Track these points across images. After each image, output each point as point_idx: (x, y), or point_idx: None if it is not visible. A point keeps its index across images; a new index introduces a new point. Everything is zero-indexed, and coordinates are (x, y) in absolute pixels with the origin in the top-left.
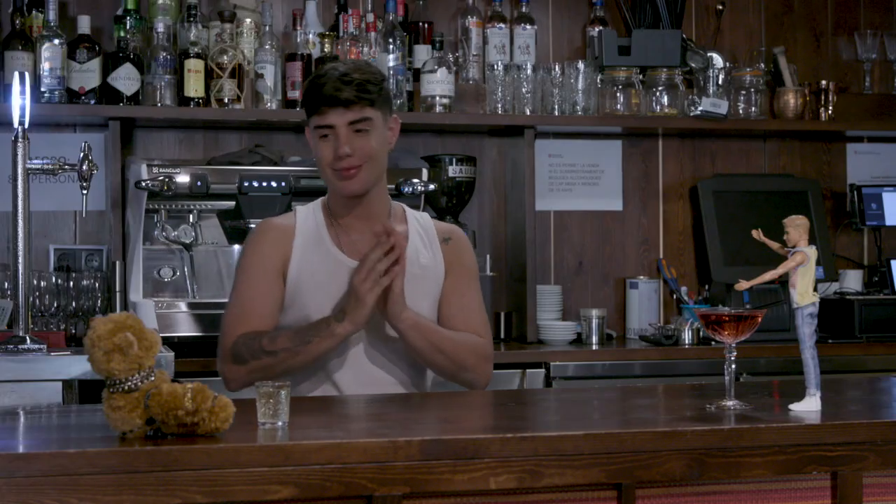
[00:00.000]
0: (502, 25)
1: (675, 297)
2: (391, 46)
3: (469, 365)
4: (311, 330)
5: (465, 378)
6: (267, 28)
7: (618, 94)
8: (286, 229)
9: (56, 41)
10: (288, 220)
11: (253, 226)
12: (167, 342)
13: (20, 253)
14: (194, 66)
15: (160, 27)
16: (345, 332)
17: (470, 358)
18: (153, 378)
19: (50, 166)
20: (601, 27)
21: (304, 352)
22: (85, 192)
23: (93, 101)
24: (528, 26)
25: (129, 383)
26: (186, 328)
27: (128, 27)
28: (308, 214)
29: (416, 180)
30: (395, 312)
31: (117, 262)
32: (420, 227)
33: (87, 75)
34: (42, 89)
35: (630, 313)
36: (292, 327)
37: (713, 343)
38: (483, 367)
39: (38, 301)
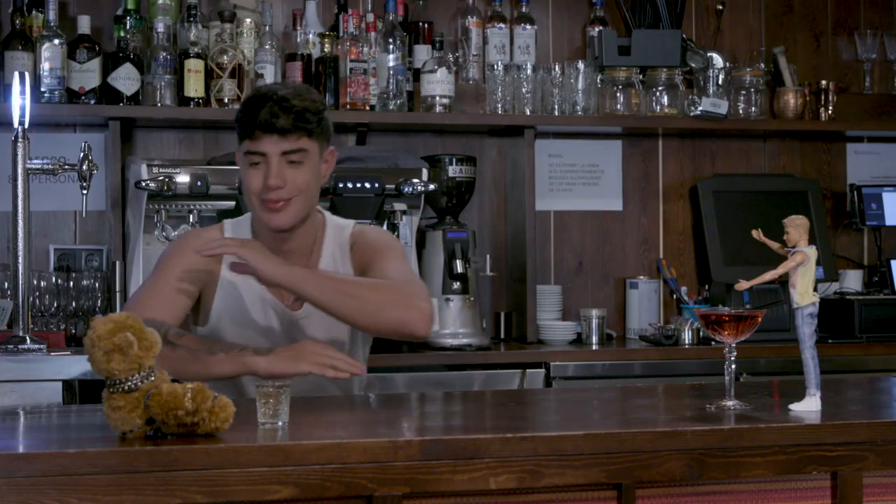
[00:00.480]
0: (502, 25)
1: (675, 297)
2: (391, 46)
3: (389, 302)
4: (222, 346)
5: (391, 319)
6: (267, 28)
7: (618, 94)
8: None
9: (56, 41)
10: (215, 234)
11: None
12: None
13: (20, 253)
14: (194, 66)
15: (160, 27)
16: (255, 367)
17: (389, 295)
18: (153, 378)
19: (50, 166)
20: (601, 27)
21: (204, 361)
22: (85, 192)
23: (93, 101)
24: (528, 26)
25: (129, 383)
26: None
27: (128, 27)
28: (238, 232)
29: (416, 180)
30: (272, 273)
31: (117, 262)
32: (337, 245)
33: (87, 75)
34: (42, 89)
35: (630, 313)
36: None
37: (713, 343)
38: (410, 302)
39: (38, 301)
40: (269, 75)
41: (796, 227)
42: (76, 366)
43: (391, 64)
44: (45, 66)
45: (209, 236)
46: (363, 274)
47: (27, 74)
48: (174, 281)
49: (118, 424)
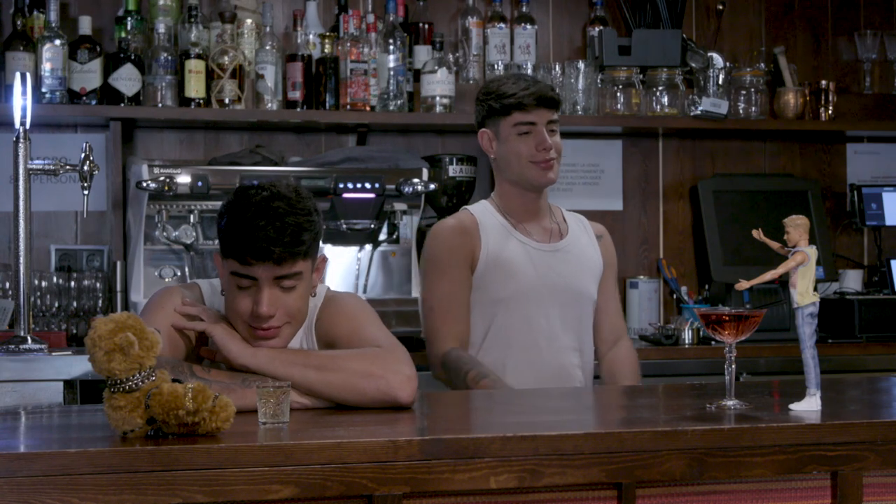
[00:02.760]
0: (502, 25)
1: (675, 297)
2: (391, 47)
3: (367, 371)
4: (254, 378)
5: (372, 389)
6: (267, 29)
7: (618, 94)
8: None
9: (57, 42)
10: (195, 296)
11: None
12: None
13: (21, 253)
14: (195, 67)
15: (161, 28)
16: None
17: (366, 364)
18: (154, 378)
19: (51, 167)
20: (601, 27)
21: (240, 393)
22: (86, 192)
23: (94, 102)
24: (528, 26)
25: (130, 383)
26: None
27: (129, 28)
28: (214, 297)
29: (416, 180)
30: (240, 357)
31: (118, 263)
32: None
33: (88, 76)
34: (43, 90)
35: (630, 313)
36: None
37: (713, 343)
38: (390, 368)
39: (39, 301)
40: (270, 76)
41: (796, 227)
42: (77, 366)
43: (391, 64)
44: (47, 66)
45: (187, 306)
46: (330, 345)
47: (28, 75)
48: (165, 328)
49: (119, 424)
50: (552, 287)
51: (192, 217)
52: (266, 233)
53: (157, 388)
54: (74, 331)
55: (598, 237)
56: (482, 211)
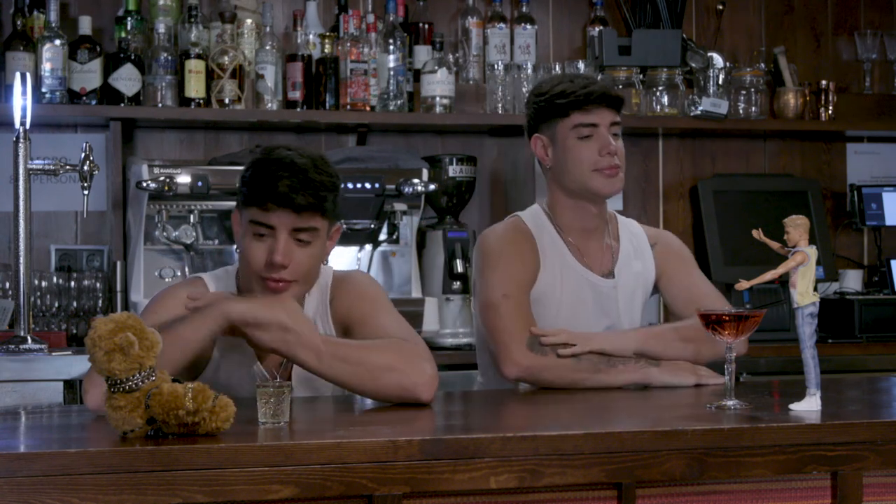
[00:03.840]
0: (502, 25)
1: None
2: (391, 47)
3: (390, 365)
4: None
5: (393, 385)
6: (267, 29)
7: None
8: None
9: (57, 42)
10: (199, 289)
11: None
12: None
13: (21, 253)
14: (195, 67)
15: (161, 28)
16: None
17: (390, 357)
18: (154, 378)
19: (51, 167)
20: (601, 27)
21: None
22: (86, 192)
23: (94, 102)
24: (528, 26)
25: (130, 383)
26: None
27: (129, 28)
28: (220, 288)
29: (416, 180)
30: (265, 340)
31: (118, 263)
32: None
33: (88, 76)
34: (43, 90)
35: None
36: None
37: None
38: (414, 366)
39: (39, 301)
40: (270, 76)
41: (796, 226)
42: (77, 366)
43: (391, 64)
44: (47, 66)
45: (194, 293)
46: (347, 328)
47: (28, 75)
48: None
49: (119, 424)
50: (600, 325)
51: (192, 217)
52: (291, 182)
53: (157, 388)
54: (74, 331)
55: (653, 245)
56: (535, 223)
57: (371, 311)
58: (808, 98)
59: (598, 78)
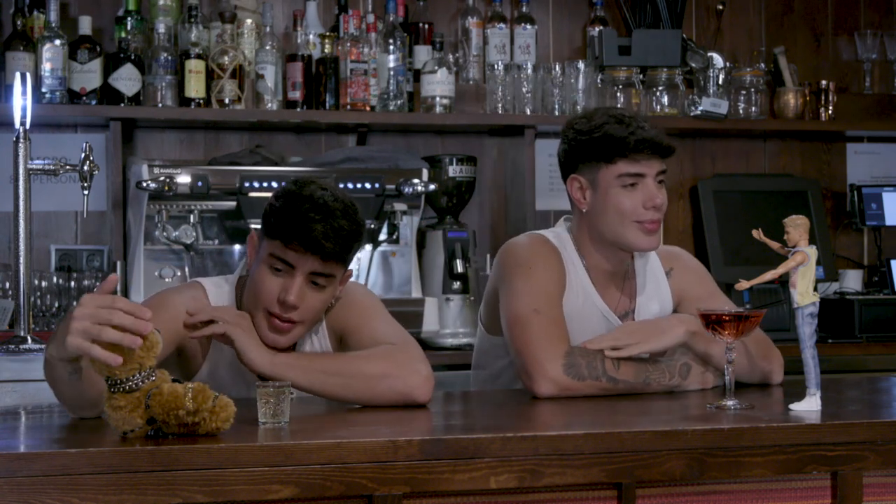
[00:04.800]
0: (502, 25)
1: None
2: (391, 47)
3: (385, 372)
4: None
5: (390, 391)
6: (267, 29)
7: (618, 94)
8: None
9: (57, 42)
10: (198, 296)
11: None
12: None
13: (21, 253)
14: (195, 67)
15: (161, 28)
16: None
17: (383, 364)
18: (154, 378)
19: (51, 167)
20: (601, 27)
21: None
22: (86, 192)
23: (94, 102)
24: (528, 26)
25: (130, 383)
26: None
27: (129, 28)
28: (220, 298)
29: (416, 180)
30: (257, 362)
31: (118, 263)
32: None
33: (88, 76)
34: (43, 90)
35: None
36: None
37: None
38: (408, 368)
39: (39, 301)
40: (270, 76)
41: (796, 226)
42: None
43: (391, 64)
44: (47, 66)
45: (193, 304)
46: (342, 338)
47: (28, 75)
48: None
49: (119, 424)
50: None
51: (192, 217)
52: (324, 228)
53: (157, 388)
54: None
55: (668, 272)
56: (561, 246)
57: (364, 320)
58: (808, 98)
59: (643, 120)
